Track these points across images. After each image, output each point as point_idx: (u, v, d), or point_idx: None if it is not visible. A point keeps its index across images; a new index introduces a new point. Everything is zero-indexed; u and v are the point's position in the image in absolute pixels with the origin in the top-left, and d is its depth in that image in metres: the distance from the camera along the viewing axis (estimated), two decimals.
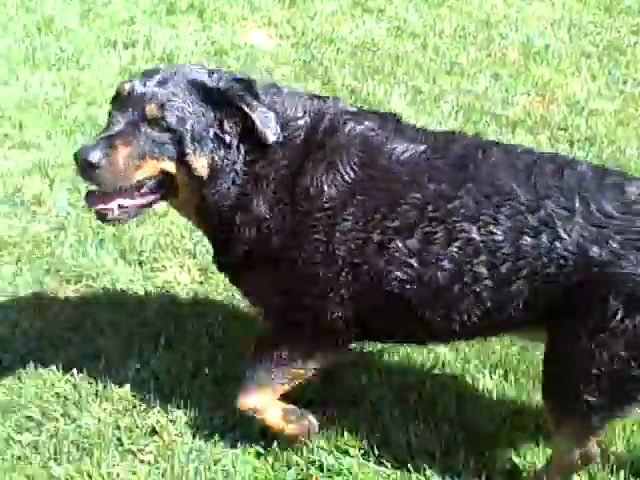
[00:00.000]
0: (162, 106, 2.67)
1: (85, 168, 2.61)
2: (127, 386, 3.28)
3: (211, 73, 2.80)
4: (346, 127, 2.74)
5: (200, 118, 2.70)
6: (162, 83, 2.71)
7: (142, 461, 3.04)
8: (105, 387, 3.29)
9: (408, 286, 2.68)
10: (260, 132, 2.68)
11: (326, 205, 2.67)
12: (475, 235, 2.59)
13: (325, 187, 2.67)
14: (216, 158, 2.73)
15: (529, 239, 2.56)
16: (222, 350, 3.46)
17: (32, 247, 4.03)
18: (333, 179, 2.67)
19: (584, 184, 2.58)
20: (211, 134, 2.71)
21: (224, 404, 3.16)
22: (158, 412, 3.19)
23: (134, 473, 2.99)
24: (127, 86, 2.72)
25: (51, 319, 3.63)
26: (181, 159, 2.70)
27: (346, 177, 2.67)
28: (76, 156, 2.62)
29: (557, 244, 2.53)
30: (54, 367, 3.35)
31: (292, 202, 2.71)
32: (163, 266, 3.98)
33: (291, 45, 6.21)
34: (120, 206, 2.73)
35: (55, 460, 3.00)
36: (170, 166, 2.71)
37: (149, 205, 2.83)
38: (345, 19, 6.65)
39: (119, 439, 3.10)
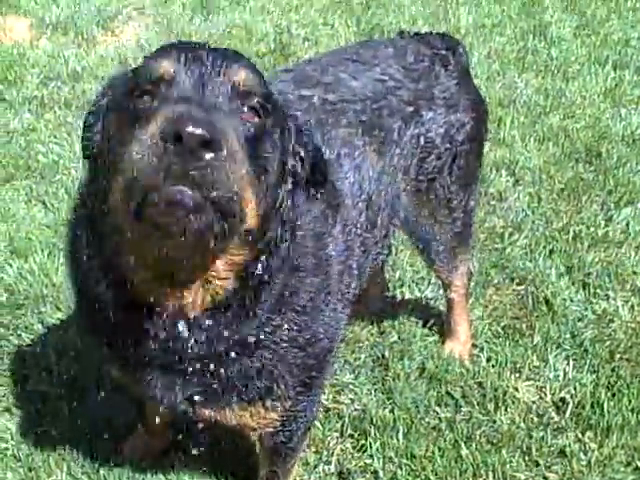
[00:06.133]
0: (252, 72, 1.82)
1: (194, 149, 1.52)
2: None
3: None
4: None
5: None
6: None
7: (546, 478, 3.02)
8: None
9: None
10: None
11: None
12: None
13: None
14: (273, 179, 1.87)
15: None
16: None
17: (485, 237, 4.17)
18: None
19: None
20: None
21: None
22: (572, 435, 3.15)
23: None
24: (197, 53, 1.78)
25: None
26: (258, 166, 1.76)
27: None
28: (176, 126, 1.52)
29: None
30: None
31: None
32: (606, 295, 3.85)
33: None
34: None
35: (465, 443, 3.10)
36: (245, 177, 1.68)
37: None
38: None
39: (528, 448, 3.10)
